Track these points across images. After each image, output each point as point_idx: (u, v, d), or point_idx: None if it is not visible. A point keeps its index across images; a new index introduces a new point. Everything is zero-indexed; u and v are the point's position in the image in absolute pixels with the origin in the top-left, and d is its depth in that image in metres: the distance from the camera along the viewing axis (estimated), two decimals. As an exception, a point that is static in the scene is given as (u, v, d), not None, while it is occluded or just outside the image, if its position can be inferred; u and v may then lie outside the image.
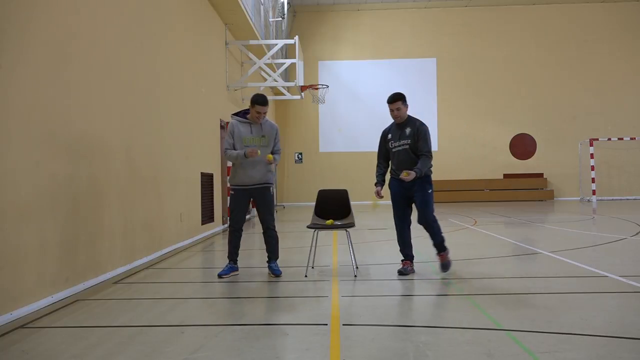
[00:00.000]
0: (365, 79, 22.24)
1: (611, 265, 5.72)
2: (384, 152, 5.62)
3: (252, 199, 5.63)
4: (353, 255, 5.66)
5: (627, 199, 20.95)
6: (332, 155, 22.21)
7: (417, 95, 21.89)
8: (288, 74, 18.53)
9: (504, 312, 3.89)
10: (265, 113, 5.52)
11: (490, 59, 22.29)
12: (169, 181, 7.85)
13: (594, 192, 19.94)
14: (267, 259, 5.64)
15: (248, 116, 5.56)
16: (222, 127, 11.55)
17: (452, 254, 5.55)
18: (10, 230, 3.94)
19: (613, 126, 21.63)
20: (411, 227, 5.62)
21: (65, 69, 4.80)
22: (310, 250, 5.74)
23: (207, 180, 10.25)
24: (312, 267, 5.86)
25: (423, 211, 5.35)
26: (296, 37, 14.08)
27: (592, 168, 20.04)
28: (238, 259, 5.67)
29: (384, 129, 5.70)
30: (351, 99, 22.13)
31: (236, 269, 5.62)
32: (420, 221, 5.41)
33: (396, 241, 5.63)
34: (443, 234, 5.45)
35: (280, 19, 19.16)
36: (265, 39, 15.55)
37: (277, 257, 5.64)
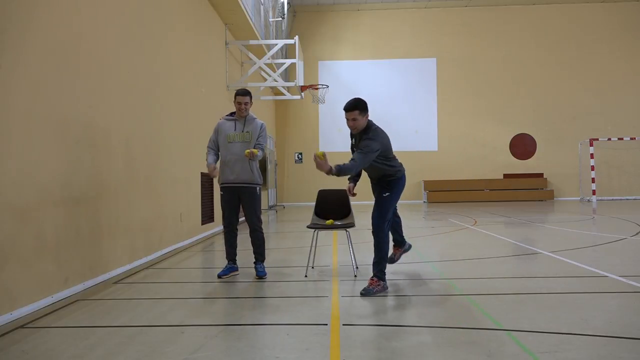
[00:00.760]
0: (365, 79, 22.23)
1: (611, 265, 5.72)
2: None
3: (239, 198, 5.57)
4: (353, 255, 5.66)
5: (627, 199, 20.95)
6: (332, 155, 22.10)
7: (417, 95, 21.94)
8: (288, 74, 18.53)
9: (504, 312, 3.88)
10: (246, 104, 5.50)
11: (490, 59, 22.28)
12: (169, 181, 7.85)
13: (594, 192, 19.95)
14: (254, 260, 5.62)
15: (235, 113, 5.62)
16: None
17: (452, 254, 5.54)
18: (10, 230, 3.94)
19: (613, 126, 21.63)
20: (398, 213, 5.39)
21: (65, 69, 4.80)
22: (310, 250, 5.74)
23: (207, 180, 10.25)
24: (312, 267, 5.86)
25: (373, 214, 4.85)
26: (296, 37, 14.08)
27: (592, 168, 20.04)
28: (237, 258, 5.67)
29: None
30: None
31: (236, 269, 5.62)
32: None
33: (394, 240, 5.62)
34: (386, 255, 4.80)
35: (280, 19, 19.16)
36: (265, 39, 15.55)
37: (263, 259, 5.58)
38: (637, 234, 8.70)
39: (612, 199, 20.83)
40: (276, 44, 13.94)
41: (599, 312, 3.88)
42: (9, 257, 3.91)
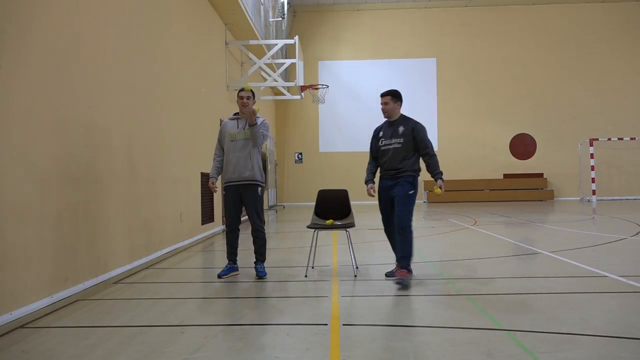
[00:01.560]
0: (365, 79, 22.24)
1: (611, 265, 5.72)
2: (374, 150, 5.44)
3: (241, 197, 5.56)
4: (353, 255, 5.66)
5: (627, 199, 20.95)
6: (332, 155, 22.21)
7: (417, 95, 21.93)
8: (288, 74, 18.53)
9: (504, 312, 3.88)
10: (248, 98, 5.50)
11: (490, 59, 22.29)
12: (169, 181, 7.85)
13: (594, 192, 19.95)
14: (254, 260, 5.62)
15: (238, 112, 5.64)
16: (222, 127, 11.55)
17: (452, 254, 5.54)
18: (10, 230, 3.94)
19: (613, 126, 21.64)
20: None
21: (65, 69, 4.80)
22: (310, 250, 5.74)
23: (207, 180, 10.21)
24: (312, 267, 5.86)
25: (399, 212, 4.99)
26: (296, 37, 14.08)
27: (592, 168, 20.04)
28: (238, 259, 5.67)
29: (377, 126, 5.53)
30: (351, 99, 22.13)
31: (236, 269, 5.62)
32: (395, 223, 5.05)
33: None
34: (413, 250, 5.06)
35: (280, 19, 19.16)
36: (265, 39, 15.55)
37: (264, 259, 5.57)
38: (637, 234, 8.70)
39: (612, 199, 20.83)
40: (276, 44, 13.94)
41: (599, 312, 3.87)
42: (9, 257, 3.91)
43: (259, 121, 5.56)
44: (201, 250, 8.19)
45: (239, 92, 5.57)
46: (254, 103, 5.62)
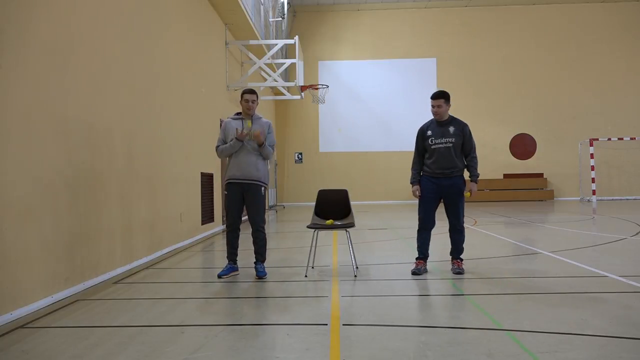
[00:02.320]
0: (365, 79, 22.24)
1: (611, 265, 5.72)
2: (422, 150, 5.62)
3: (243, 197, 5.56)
4: (353, 255, 5.66)
5: (627, 199, 20.95)
6: (332, 155, 22.20)
7: (417, 95, 21.92)
8: (288, 74, 18.53)
9: (504, 312, 3.88)
10: (254, 101, 5.52)
11: (490, 59, 22.29)
12: (169, 181, 7.85)
13: (594, 192, 19.95)
14: (254, 260, 5.63)
15: (241, 112, 5.63)
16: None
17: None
18: (10, 230, 3.94)
19: (613, 126, 21.64)
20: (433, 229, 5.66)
21: (65, 69, 4.80)
22: (310, 250, 5.73)
23: (207, 180, 10.25)
24: (312, 267, 5.86)
25: (458, 212, 5.47)
26: (296, 37, 14.08)
27: (592, 168, 20.04)
28: (238, 259, 5.67)
29: (420, 126, 5.73)
30: (351, 99, 22.13)
31: (236, 269, 5.61)
32: (451, 226, 5.53)
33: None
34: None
35: (280, 19, 19.16)
36: (265, 39, 15.55)
37: (264, 259, 5.58)
38: (637, 234, 8.70)
39: (612, 199, 20.83)
40: (276, 44, 13.94)
41: (599, 312, 3.87)
42: (9, 257, 3.91)
43: (263, 122, 5.59)
44: (201, 250, 8.18)
45: (242, 93, 5.57)
46: (257, 104, 5.64)
